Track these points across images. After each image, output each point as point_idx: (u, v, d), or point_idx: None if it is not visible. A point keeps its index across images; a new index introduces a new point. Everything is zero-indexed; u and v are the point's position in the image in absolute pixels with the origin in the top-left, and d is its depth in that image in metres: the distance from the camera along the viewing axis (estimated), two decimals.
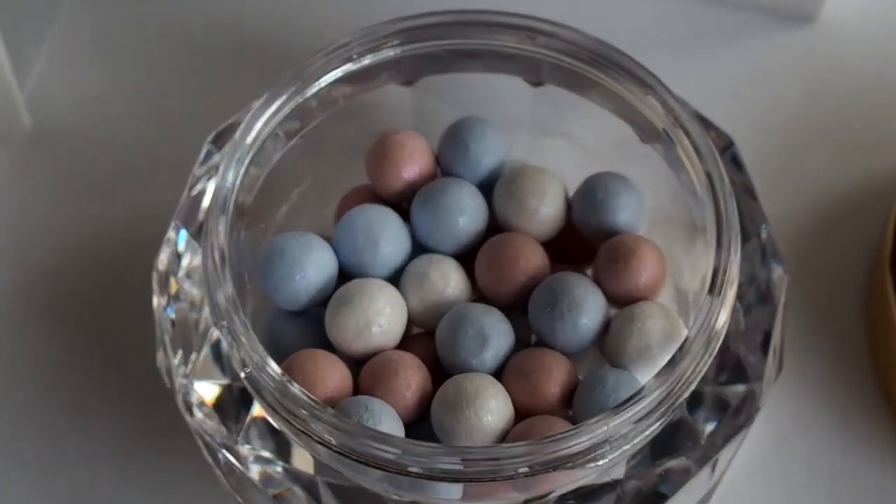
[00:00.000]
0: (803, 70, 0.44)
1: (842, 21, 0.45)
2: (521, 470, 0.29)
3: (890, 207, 0.39)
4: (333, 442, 0.30)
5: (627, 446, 0.30)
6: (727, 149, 0.36)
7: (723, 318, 0.31)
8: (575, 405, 0.33)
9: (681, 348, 0.30)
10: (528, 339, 0.34)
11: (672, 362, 0.30)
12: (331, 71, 0.34)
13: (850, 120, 0.43)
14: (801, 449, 0.39)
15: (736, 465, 0.38)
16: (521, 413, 0.32)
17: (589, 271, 0.36)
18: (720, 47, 0.45)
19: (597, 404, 0.32)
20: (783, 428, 0.39)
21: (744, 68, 0.44)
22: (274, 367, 0.30)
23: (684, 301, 0.35)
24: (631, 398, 0.30)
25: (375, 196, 0.36)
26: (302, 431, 0.30)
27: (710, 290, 0.31)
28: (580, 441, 0.29)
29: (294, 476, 0.32)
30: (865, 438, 0.39)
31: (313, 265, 0.33)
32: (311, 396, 0.30)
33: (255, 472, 0.32)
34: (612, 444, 0.30)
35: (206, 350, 0.33)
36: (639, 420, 0.30)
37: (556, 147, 0.37)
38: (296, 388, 0.30)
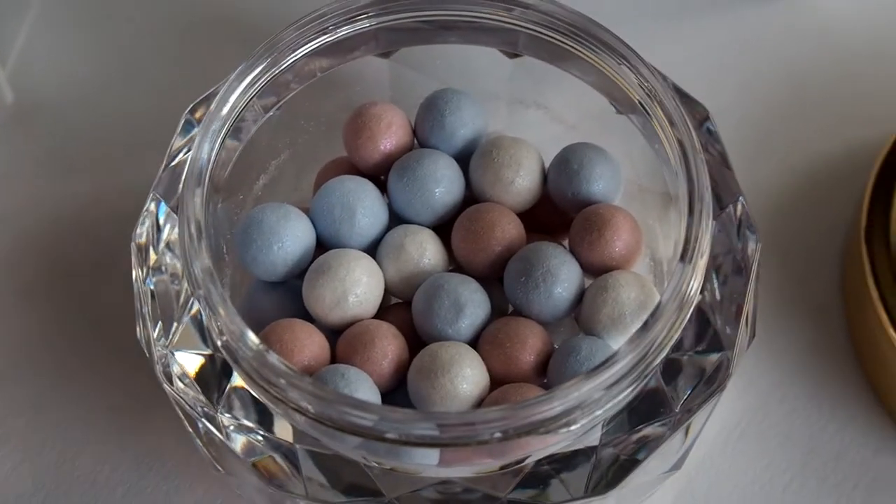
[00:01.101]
0: (783, 43, 0.45)
1: None
2: (495, 435, 0.30)
3: (866, 179, 0.40)
4: (311, 410, 0.30)
5: (600, 412, 0.30)
6: (704, 121, 0.36)
7: (694, 286, 0.31)
8: (549, 373, 0.33)
9: (652, 314, 0.31)
10: (504, 307, 0.35)
11: (644, 328, 0.30)
12: (306, 43, 0.34)
13: (829, 93, 0.44)
14: (776, 417, 0.39)
15: (713, 434, 0.39)
16: (497, 381, 0.33)
17: (565, 242, 0.36)
18: (702, 19, 0.45)
19: (570, 372, 0.32)
20: (760, 397, 0.39)
21: (724, 40, 0.44)
22: (251, 336, 0.31)
23: (660, 271, 0.36)
24: (603, 363, 0.30)
25: (353, 168, 0.36)
26: (280, 400, 0.31)
27: (682, 258, 0.31)
28: (553, 406, 0.30)
29: (274, 444, 0.32)
30: (841, 406, 0.40)
31: (291, 236, 0.34)
32: (289, 365, 0.30)
33: (235, 441, 0.33)
34: (584, 409, 0.30)
35: (186, 321, 0.33)
36: (611, 385, 0.30)
37: (533, 119, 0.37)
38: (273, 358, 0.30)
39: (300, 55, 0.35)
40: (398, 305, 0.35)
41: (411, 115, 0.36)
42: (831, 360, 0.40)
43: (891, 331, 0.37)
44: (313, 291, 0.33)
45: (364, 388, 0.32)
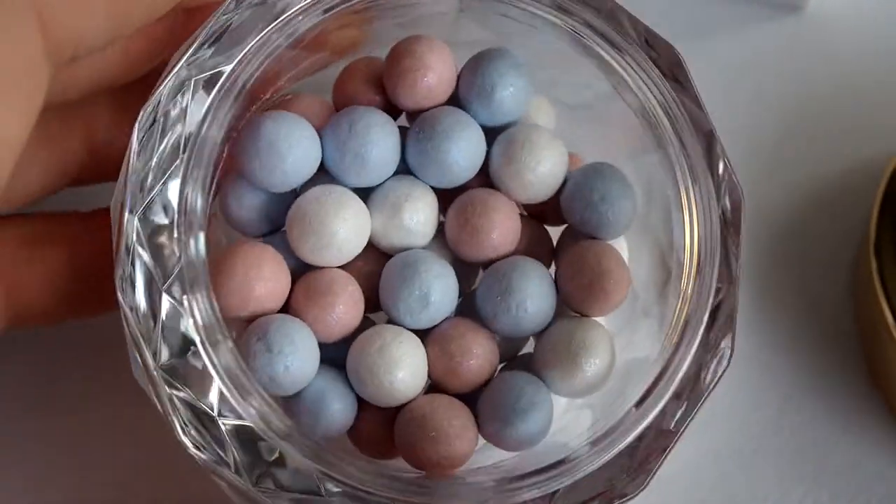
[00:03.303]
0: (791, 59, 0.44)
1: (830, 10, 0.44)
2: None
3: (874, 193, 0.40)
4: None
5: None
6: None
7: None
8: (480, 403, 0.33)
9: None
10: (466, 288, 0.34)
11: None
12: None
13: (837, 108, 0.44)
14: (790, 431, 0.40)
15: (728, 449, 0.40)
16: (434, 382, 0.33)
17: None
18: (708, 37, 0.44)
19: (501, 412, 0.32)
20: (773, 411, 0.40)
21: (732, 57, 0.44)
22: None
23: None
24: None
25: (376, 84, 0.34)
26: None
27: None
28: None
29: None
30: (854, 420, 0.40)
31: (299, 144, 0.32)
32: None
33: None
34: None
35: None
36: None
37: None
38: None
39: None
40: (368, 252, 0.33)
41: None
42: (844, 374, 0.41)
43: None
44: (297, 230, 0.32)
45: (306, 355, 0.32)
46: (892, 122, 0.43)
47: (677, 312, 0.32)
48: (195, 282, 0.30)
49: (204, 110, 0.31)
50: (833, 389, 0.41)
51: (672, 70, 0.33)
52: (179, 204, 0.30)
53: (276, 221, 0.33)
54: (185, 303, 0.30)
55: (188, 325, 0.30)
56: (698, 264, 0.32)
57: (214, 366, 0.30)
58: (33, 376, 0.40)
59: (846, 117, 0.43)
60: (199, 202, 0.31)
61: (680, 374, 0.32)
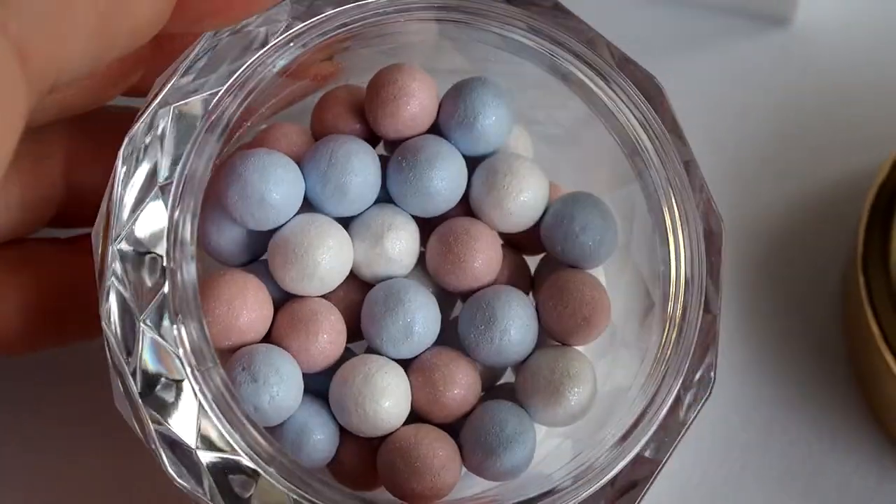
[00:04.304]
0: (778, 72, 0.44)
1: (817, 23, 0.45)
2: None
3: (862, 207, 0.40)
4: None
5: None
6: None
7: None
8: (463, 433, 0.33)
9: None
10: (447, 314, 0.34)
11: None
12: None
13: (825, 121, 0.44)
14: (777, 449, 0.40)
15: (714, 467, 0.40)
16: (417, 412, 0.33)
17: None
18: (696, 51, 0.44)
19: (485, 442, 0.32)
20: (760, 429, 0.40)
21: (719, 71, 0.44)
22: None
23: None
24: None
25: (356, 112, 0.34)
26: None
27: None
28: None
29: None
30: (843, 436, 0.40)
31: (282, 184, 0.32)
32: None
33: None
34: None
35: None
36: None
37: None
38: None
39: None
40: (350, 282, 0.33)
41: None
42: (831, 390, 0.41)
43: (888, 356, 0.38)
44: (279, 259, 0.32)
45: (291, 385, 0.31)
46: (879, 135, 0.43)
47: (663, 342, 0.32)
48: (184, 310, 0.30)
49: (191, 141, 0.31)
50: (822, 405, 0.40)
51: (652, 99, 0.33)
52: (168, 233, 0.30)
53: (257, 252, 0.33)
54: (174, 332, 0.30)
55: (174, 355, 0.30)
56: (684, 294, 0.32)
57: (198, 395, 0.30)
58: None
59: (833, 130, 0.43)
60: (189, 231, 0.30)
61: (664, 408, 0.32)
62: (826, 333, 0.41)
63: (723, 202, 0.39)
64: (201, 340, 0.30)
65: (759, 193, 0.43)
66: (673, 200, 0.33)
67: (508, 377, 0.35)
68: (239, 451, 0.30)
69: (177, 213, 0.30)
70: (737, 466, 0.40)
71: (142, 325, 0.30)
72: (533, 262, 0.35)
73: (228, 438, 0.30)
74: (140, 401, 0.30)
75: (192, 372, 0.30)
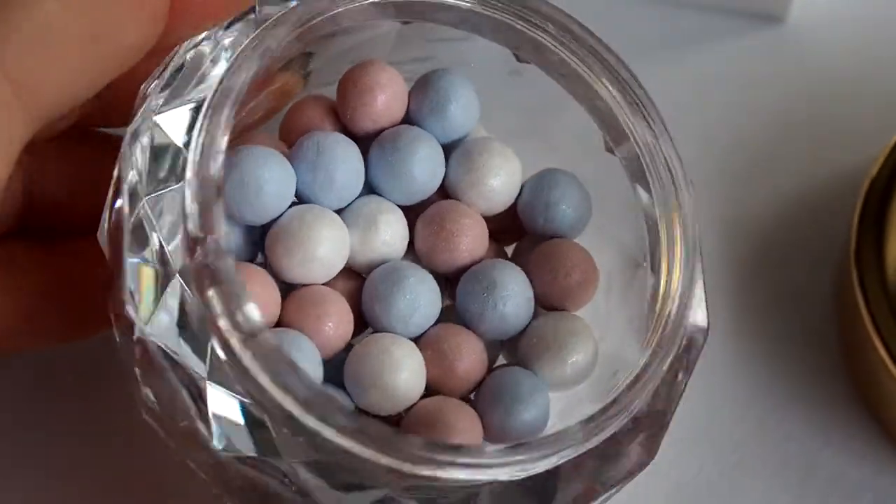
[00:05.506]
0: (772, 70, 0.45)
1: (810, 21, 0.46)
2: None
3: (855, 202, 0.40)
4: None
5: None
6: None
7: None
8: (478, 400, 0.33)
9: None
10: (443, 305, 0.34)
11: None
12: None
13: (818, 118, 0.45)
14: (773, 443, 0.40)
15: (710, 462, 0.40)
16: (431, 385, 0.33)
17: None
18: (689, 49, 0.45)
19: (503, 403, 0.33)
20: (755, 423, 0.40)
21: (713, 69, 0.45)
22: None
23: None
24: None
25: (327, 115, 0.35)
26: None
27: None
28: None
29: None
30: (838, 429, 0.41)
31: (277, 173, 0.32)
32: None
33: None
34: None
35: None
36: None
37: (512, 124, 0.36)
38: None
39: None
40: (347, 273, 0.34)
41: None
42: (826, 385, 0.41)
43: (882, 351, 0.38)
44: (281, 247, 0.32)
45: (313, 362, 0.32)
46: (871, 132, 0.43)
47: (658, 312, 0.33)
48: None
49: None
50: (816, 400, 0.41)
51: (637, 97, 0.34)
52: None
53: (250, 252, 0.33)
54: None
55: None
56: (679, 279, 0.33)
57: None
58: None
59: (826, 128, 0.44)
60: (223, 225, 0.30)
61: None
62: (820, 329, 0.42)
63: (716, 199, 0.42)
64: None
65: (752, 191, 0.43)
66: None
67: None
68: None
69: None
70: (732, 461, 0.40)
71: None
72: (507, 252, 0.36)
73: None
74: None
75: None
